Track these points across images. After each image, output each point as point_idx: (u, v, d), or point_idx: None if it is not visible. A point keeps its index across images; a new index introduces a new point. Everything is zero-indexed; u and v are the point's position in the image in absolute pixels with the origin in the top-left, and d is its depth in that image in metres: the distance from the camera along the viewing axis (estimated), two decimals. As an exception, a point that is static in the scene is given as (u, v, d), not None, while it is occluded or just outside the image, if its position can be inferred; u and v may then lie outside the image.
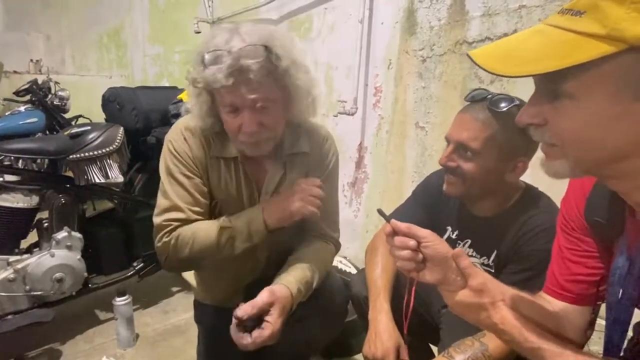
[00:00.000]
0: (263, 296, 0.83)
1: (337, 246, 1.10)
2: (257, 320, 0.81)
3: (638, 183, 0.50)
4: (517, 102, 0.83)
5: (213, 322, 1.15)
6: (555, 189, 0.72)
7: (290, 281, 0.89)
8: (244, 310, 0.80)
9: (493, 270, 0.94)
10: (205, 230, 0.92)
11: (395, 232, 0.65)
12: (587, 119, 0.47)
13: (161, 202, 0.95)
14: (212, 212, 1.01)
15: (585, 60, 0.43)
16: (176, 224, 0.93)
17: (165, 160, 0.97)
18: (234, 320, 0.81)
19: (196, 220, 0.94)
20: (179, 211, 0.93)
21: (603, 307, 0.63)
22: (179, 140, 0.96)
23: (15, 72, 4.54)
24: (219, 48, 0.82)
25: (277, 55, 0.82)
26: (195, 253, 0.92)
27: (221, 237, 0.91)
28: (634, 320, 0.61)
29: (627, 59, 0.42)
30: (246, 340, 0.80)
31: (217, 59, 0.81)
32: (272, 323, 0.81)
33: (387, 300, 0.96)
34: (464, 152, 0.88)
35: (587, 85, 0.45)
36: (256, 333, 0.80)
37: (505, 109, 0.83)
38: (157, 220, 0.95)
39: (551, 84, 0.48)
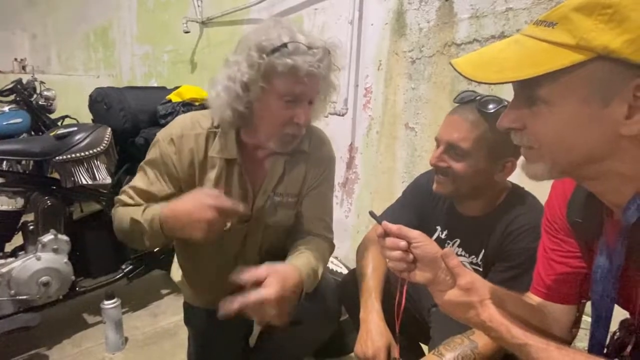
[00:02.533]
0: (261, 268, 0.82)
1: (332, 247, 1.11)
2: None
3: (612, 184, 0.52)
4: (505, 104, 0.85)
5: (203, 325, 1.15)
6: (541, 188, 0.74)
7: (298, 264, 0.89)
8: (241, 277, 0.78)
9: (481, 269, 0.95)
10: (126, 217, 0.94)
11: (386, 234, 0.66)
12: (561, 123, 0.49)
13: (131, 181, 1.01)
14: None
15: (557, 68, 0.46)
16: (120, 204, 0.99)
17: (149, 152, 1.00)
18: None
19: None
20: (128, 197, 0.98)
21: (589, 305, 0.65)
22: (165, 142, 0.97)
23: (-1, 71, 4.45)
24: (296, 40, 0.86)
25: (331, 61, 0.92)
26: (123, 234, 0.97)
27: (132, 228, 0.93)
28: (619, 318, 0.63)
29: (596, 66, 0.45)
30: (243, 297, 0.76)
31: (302, 50, 0.86)
32: (270, 286, 0.78)
33: (378, 299, 0.96)
34: (454, 153, 0.89)
35: (560, 91, 0.48)
36: (254, 293, 0.76)
37: (493, 110, 0.84)
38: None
39: (528, 90, 0.51)
